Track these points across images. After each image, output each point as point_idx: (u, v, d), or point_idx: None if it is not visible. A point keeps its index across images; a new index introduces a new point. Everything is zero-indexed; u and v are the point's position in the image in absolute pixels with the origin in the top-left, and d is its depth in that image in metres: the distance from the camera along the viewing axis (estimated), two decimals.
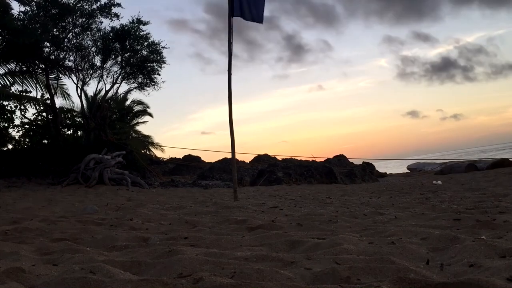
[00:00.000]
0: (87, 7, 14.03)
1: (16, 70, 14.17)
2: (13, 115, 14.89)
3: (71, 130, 16.79)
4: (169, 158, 22.42)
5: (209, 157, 26.93)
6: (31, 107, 15.21)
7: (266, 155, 19.84)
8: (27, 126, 15.40)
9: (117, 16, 14.41)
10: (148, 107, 22.09)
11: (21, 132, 15.39)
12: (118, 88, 15.77)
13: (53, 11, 13.43)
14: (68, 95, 16.28)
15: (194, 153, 21.85)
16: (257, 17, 7.03)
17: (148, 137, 22.72)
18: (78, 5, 13.83)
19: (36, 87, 14.91)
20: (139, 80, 15.78)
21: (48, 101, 14.91)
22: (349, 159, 19.71)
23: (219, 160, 18.06)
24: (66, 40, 14.15)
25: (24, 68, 14.23)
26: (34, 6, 13.54)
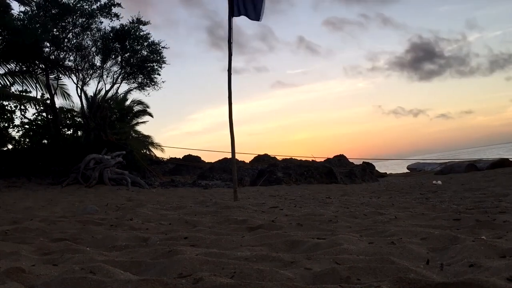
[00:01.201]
0: (87, 7, 14.03)
1: (16, 70, 14.18)
2: (13, 115, 14.93)
3: (71, 130, 16.80)
4: (169, 158, 22.42)
5: (209, 157, 26.95)
6: (31, 107, 15.26)
7: (266, 155, 19.84)
8: (27, 126, 15.42)
9: (117, 16, 14.42)
10: (148, 107, 22.10)
11: (21, 132, 15.42)
12: (118, 88, 15.80)
13: (53, 11, 13.44)
14: (68, 95, 16.31)
15: (194, 153, 21.89)
16: (255, 15, 6.95)
17: (148, 137, 22.72)
18: (78, 5, 13.83)
19: (36, 87, 14.95)
20: (139, 80, 15.80)
21: (48, 101, 14.93)
22: (349, 159, 19.72)
23: (219, 160, 18.04)
24: (66, 40, 14.15)
25: (24, 68, 14.24)
26: (34, 6, 13.55)
